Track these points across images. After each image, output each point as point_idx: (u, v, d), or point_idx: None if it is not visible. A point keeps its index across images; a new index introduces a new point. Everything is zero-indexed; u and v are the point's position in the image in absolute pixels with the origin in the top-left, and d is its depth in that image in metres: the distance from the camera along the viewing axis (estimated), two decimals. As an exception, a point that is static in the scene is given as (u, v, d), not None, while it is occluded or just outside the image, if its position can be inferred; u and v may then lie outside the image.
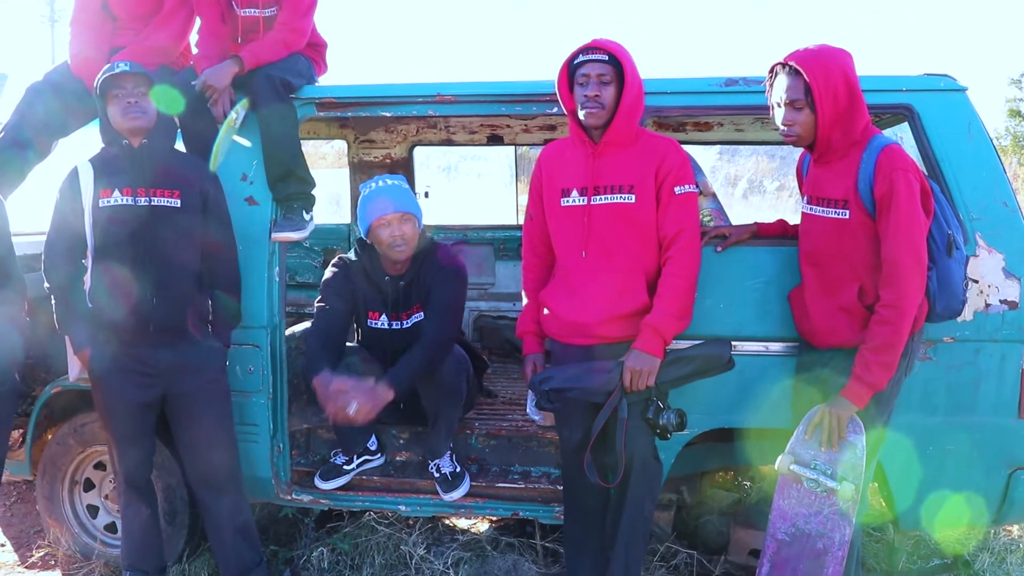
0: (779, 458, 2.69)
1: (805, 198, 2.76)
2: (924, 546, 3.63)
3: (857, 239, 2.57)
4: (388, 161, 4.94)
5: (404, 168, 4.96)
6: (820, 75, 2.49)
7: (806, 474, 2.64)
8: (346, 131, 4.93)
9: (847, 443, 2.58)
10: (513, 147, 5.09)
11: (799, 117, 2.56)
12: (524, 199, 3.26)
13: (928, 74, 3.06)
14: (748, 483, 4.12)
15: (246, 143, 3.23)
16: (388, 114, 3.32)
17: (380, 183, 3.25)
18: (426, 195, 5.20)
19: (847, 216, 2.57)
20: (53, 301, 2.93)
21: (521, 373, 3.05)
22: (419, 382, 3.18)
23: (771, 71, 2.62)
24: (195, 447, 3.01)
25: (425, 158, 5.33)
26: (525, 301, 3.05)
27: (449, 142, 4.97)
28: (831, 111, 2.51)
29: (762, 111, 3.12)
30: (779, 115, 2.61)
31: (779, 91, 2.59)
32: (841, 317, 2.62)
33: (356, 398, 2.84)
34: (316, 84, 3.46)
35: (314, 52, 3.60)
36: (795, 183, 3.14)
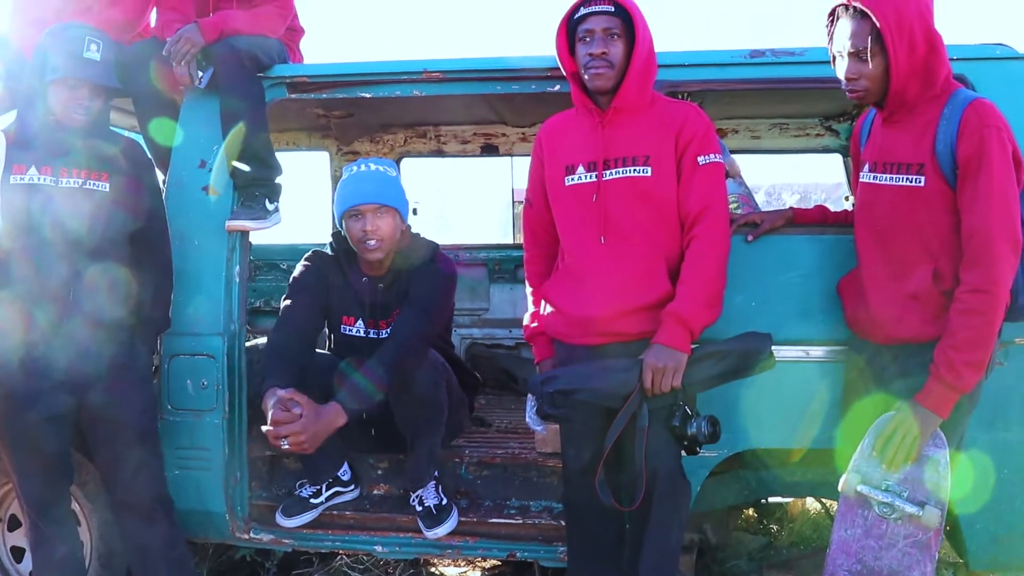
0: (843, 478, 2.22)
1: (867, 165, 2.33)
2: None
3: (934, 211, 2.15)
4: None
5: (390, 182, 4.56)
6: (892, 18, 2.08)
7: (878, 497, 2.16)
8: (328, 141, 4.56)
9: (927, 459, 2.11)
10: (509, 159, 4.71)
11: (866, 68, 2.14)
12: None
13: (983, 43, 2.71)
14: (775, 526, 3.66)
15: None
16: (368, 95, 2.94)
17: (363, 167, 2.82)
18: (414, 212, 4.78)
19: (922, 183, 2.15)
20: None
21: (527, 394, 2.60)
22: (391, 398, 2.71)
23: (831, 15, 2.22)
24: (117, 468, 2.56)
25: (414, 171, 4.93)
26: (531, 299, 2.64)
27: (440, 153, 4.60)
28: (906, 60, 2.10)
29: (793, 85, 2.79)
30: (841, 67, 2.21)
31: (841, 39, 2.18)
32: (911, 306, 2.19)
33: (296, 428, 2.36)
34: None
35: (289, 37, 3.25)
36: (815, 195, 2.74)
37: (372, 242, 2.72)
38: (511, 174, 6.36)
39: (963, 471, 2.42)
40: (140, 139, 3.11)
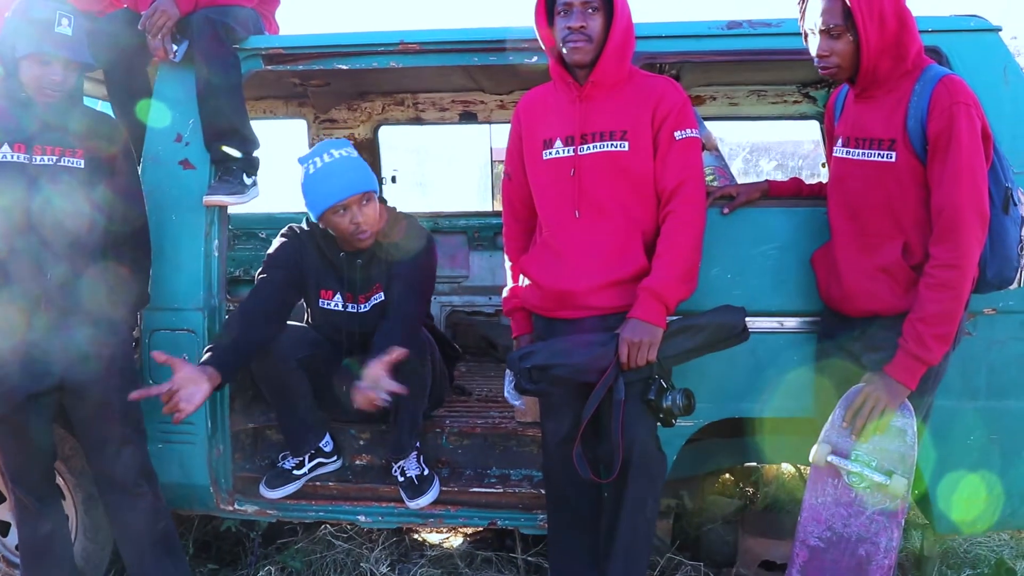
0: (813, 448, 2.28)
1: (840, 140, 2.37)
2: (954, 555, 3.23)
3: (904, 186, 2.19)
4: (351, 142, 4.51)
5: (369, 150, 4.54)
6: None
7: (847, 467, 2.23)
8: (305, 110, 4.52)
9: (895, 429, 2.17)
10: (488, 126, 4.69)
11: (837, 46, 2.17)
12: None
13: (956, 15, 2.72)
14: (751, 489, 3.73)
15: (236, 153, 2.84)
16: (345, 67, 2.92)
17: (326, 157, 2.72)
18: (393, 180, 4.77)
19: (893, 159, 2.19)
20: None
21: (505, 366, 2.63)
22: None
23: None
24: (101, 444, 2.57)
25: (392, 139, 4.89)
26: (509, 274, 2.65)
27: (418, 121, 4.57)
28: (877, 37, 2.13)
29: (769, 56, 2.80)
30: (813, 44, 2.23)
31: (813, 16, 2.20)
32: (881, 279, 2.23)
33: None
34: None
35: (264, 7, 3.20)
36: (792, 162, 2.76)
37: (364, 232, 2.71)
38: (489, 137, 6.32)
39: (931, 438, 2.50)
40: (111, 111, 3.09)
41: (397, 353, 2.43)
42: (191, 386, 2.36)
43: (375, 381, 2.39)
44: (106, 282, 2.56)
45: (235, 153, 2.83)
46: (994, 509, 2.62)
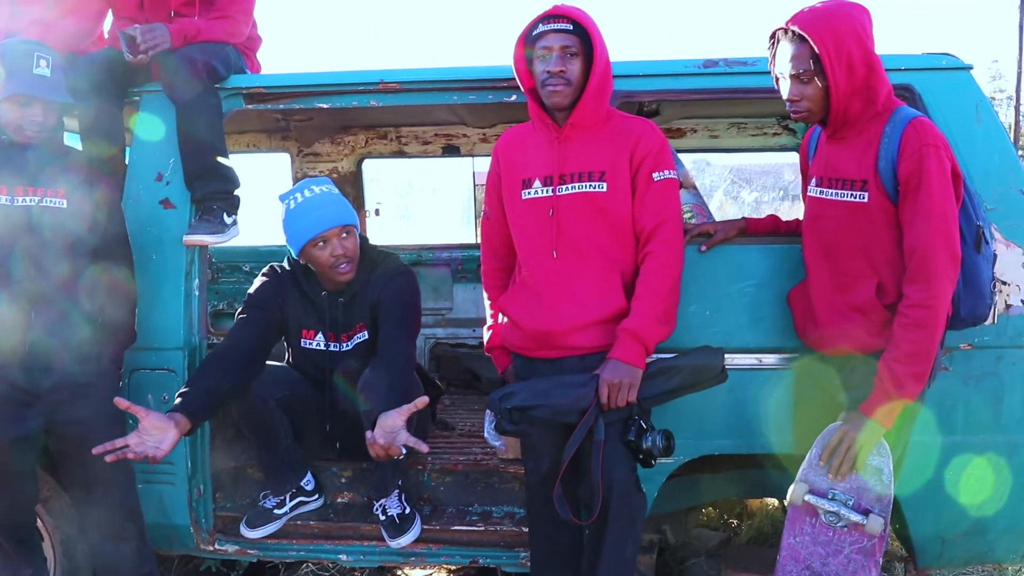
0: (791, 488, 2.29)
1: (814, 180, 2.39)
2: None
3: (877, 227, 2.21)
4: (335, 176, 4.53)
5: (352, 183, 4.55)
6: (829, 41, 2.13)
7: (824, 506, 2.24)
8: (288, 143, 4.53)
9: (872, 468, 2.19)
10: (471, 159, 4.72)
11: (807, 90, 2.20)
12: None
13: (929, 53, 2.76)
14: (735, 521, 3.74)
15: (229, 162, 2.86)
16: (325, 105, 2.94)
17: (307, 192, 2.76)
18: (376, 213, 4.80)
19: (865, 199, 2.21)
20: None
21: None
22: (362, 413, 2.72)
23: (772, 37, 2.27)
24: (88, 487, 2.54)
25: (375, 172, 4.91)
26: (489, 312, 2.66)
27: (401, 154, 4.59)
28: (845, 81, 2.16)
29: (745, 95, 2.83)
30: (784, 88, 2.26)
31: (782, 62, 2.23)
32: (855, 318, 2.25)
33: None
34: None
35: (246, 46, 3.22)
36: (773, 194, 2.79)
37: (345, 265, 2.73)
38: (472, 162, 6.36)
39: (910, 472, 2.51)
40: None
41: (418, 402, 2.39)
42: (158, 434, 2.35)
43: (393, 433, 2.37)
44: (92, 322, 2.54)
45: (229, 162, 2.84)
46: (974, 543, 2.63)
